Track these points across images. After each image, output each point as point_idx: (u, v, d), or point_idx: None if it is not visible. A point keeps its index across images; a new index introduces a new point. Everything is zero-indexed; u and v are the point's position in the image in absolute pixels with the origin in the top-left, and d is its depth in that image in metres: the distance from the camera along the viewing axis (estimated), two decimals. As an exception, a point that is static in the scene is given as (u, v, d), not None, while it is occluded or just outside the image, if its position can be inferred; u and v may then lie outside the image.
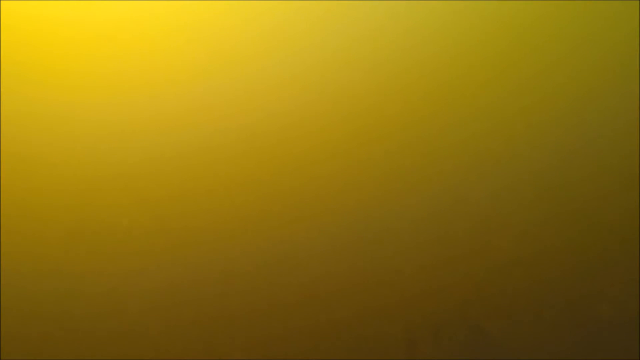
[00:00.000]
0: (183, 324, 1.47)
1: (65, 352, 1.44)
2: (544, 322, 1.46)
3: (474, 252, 1.50)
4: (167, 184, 1.49)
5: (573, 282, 1.48)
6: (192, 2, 1.46)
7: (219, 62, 1.49)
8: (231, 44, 1.49)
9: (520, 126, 1.52)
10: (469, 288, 1.49)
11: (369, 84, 1.50)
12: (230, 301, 1.48)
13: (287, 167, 1.50)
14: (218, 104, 1.50)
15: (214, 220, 1.49)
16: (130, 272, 1.46)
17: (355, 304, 1.49)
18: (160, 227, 1.48)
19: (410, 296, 1.49)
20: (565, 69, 1.52)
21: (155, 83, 1.48)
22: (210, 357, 1.48)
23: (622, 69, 1.51)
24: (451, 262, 1.50)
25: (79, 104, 1.47)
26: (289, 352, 1.47)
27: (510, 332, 1.46)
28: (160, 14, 1.47)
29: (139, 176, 1.48)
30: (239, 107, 1.49)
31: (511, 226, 1.49)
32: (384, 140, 1.50)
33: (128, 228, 1.44)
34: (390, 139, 1.50)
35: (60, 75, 1.47)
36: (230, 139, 1.50)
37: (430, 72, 1.51)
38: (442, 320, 1.47)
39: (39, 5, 1.47)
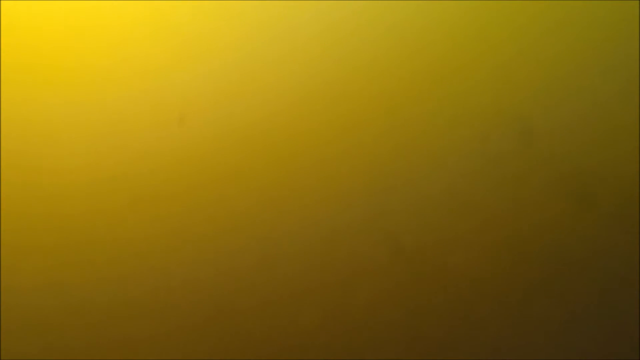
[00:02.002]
0: (182, 325, 1.47)
1: (65, 353, 1.44)
2: (540, 322, 1.46)
3: (470, 247, 1.49)
4: (165, 184, 1.49)
5: (571, 281, 1.48)
6: (190, 2, 1.46)
7: (214, 60, 1.49)
8: (225, 40, 1.49)
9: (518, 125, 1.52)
10: (463, 280, 1.49)
11: (358, 80, 1.50)
12: (230, 300, 1.48)
13: (285, 165, 1.50)
14: (214, 102, 1.50)
15: (211, 218, 1.49)
16: (129, 272, 1.46)
17: (353, 299, 1.49)
18: (159, 227, 1.48)
19: (405, 293, 1.49)
20: (563, 67, 1.52)
21: (153, 81, 1.48)
22: (211, 357, 1.48)
23: (621, 68, 1.50)
24: (449, 256, 1.50)
25: (76, 103, 1.48)
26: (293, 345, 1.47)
27: (506, 331, 1.46)
28: (161, 13, 1.47)
29: (135, 176, 1.48)
30: (236, 104, 1.50)
31: (511, 220, 1.49)
32: (373, 135, 1.50)
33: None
34: (379, 135, 1.50)
35: (60, 75, 1.48)
36: (226, 138, 1.50)
37: (423, 66, 1.51)
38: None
39: (39, 5, 1.47)
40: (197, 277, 1.46)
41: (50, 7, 1.44)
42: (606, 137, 1.48)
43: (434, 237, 1.48)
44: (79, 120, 1.45)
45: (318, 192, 1.46)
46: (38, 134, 1.44)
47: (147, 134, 1.45)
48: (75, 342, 1.42)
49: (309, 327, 1.46)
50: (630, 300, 1.43)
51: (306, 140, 1.47)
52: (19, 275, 1.42)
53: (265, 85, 1.45)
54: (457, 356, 1.45)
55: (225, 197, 1.46)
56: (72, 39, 1.44)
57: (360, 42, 1.49)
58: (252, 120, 1.46)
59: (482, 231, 1.47)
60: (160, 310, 1.45)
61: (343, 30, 1.48)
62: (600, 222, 1.46)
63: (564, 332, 1.45)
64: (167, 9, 1.45)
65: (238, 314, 1.46)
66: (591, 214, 1.46)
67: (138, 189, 1.46)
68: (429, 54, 1.51)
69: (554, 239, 1.48)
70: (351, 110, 1.47)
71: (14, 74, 1.43)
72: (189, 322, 1.46)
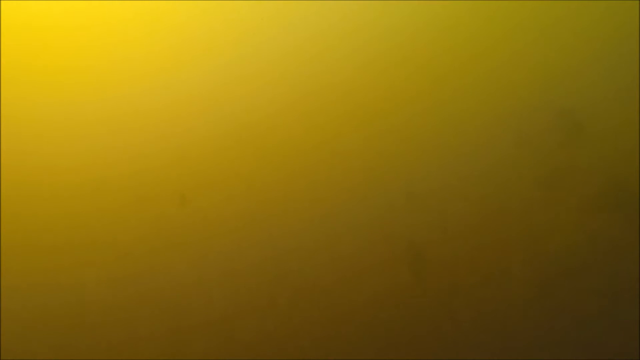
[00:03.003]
0: (183, 325, 1.47)
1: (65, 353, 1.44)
2: (539, 321, 1.45)
3: (470, 240, 1.48)
4: (165, 185, 1.49)
5: (570, 280, 1.48)
6: (184, 2, 1.46)
7: (210, 58, 1.49)
8: (222, 38, 1.48)
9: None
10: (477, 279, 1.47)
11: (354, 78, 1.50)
12: (231, 301, 1.48)
13: (284, 162, 1.50)
14: (209, 100, 1.49)
15: (212, 219, 1.49)
16: (129, 272, 1.46)
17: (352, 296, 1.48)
18: (159, 227, 1.47)
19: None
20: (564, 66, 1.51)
21: (150, 79, 1.48)
22: (215, 356, 1.48)
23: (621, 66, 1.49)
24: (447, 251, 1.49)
25: (76, 103, 1.47)
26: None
27: (500, 329, 1.46)
28: (159, 13, 1.47)
29: (135, 176, 1.48)
30: (232, 102, 1.49)
31: (507, 218, 1.48)
32: (366, 133, 1.49)
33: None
34: (372, 133, 1.49)
35: (60, 75, 1.47)
36: (223, 137, 1.49)
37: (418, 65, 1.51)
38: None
39: (39, 5, 1.47)
40: (202, 277, 1.46)
41: (50, 7, 1.44)
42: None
43: (456, 238, 1.45)
44: (79, 120, 1.45)
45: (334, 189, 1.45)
46: (38, 134, 1.44)
47: (146, 133, 1.45)
48: (75, 342, 1.42)
49: (315, 326, 1.46)
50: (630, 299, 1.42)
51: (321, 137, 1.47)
52: (19, 275, 1.41)
53: (270, 85, 1.45)
54: (464, 355, 1.44)
55: (231, 199, 1.46)
56: (71, 39, 1.44)
57: (380, 36, 1.47)
58: (254, 121, 1.46)
59: (514, 233, 1.44)
60: (161, 310, 1.45)
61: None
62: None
63: (579, 332, 1.44)
64: (169, 14, 1.45)
65: (244, 313, 1.46)
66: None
67: (138, 188, 1.46)
68: (455, 44, 1.49)
69: (593, 250, 1.43)
70: (375, 107, 1.46)
71: (14, 74, 1.43)
72: (190, 321, 1.45)
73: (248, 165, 1.49)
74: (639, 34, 1.47)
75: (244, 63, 1.48)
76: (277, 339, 1.48)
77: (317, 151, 1.49)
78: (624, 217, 1.44)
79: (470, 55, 1.50)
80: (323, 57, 1.48)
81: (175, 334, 1.47)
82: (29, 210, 1.45)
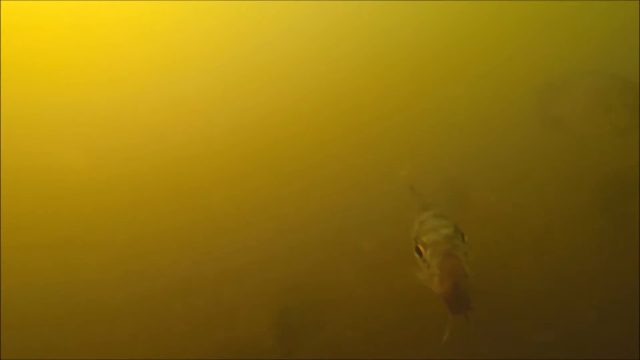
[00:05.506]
0: (183, 324, 1.47)
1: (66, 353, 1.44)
2: (539, 321, 1.45)
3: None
4: (165, 185, 1.49)
5: (569, 280, 1.47)
6: (183, 2, 1.46)
7: (210, 59, 1.49)
8: (222, 39, 1.49)
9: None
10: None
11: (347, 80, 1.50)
12: (233, 299, 1.48)
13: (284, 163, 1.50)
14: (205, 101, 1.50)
15: (213, 217, 1.49)
16: (128, 272, 1.46)
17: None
18: (159, 227, 1.48)
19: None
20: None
21: (150, 78, 1.48)
22: (213, 356, 1.48)
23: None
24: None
25: (76, 103, 1.48)
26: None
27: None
28: (158, 14, 1.47)
29: (135, 176, 1.48)
30: (229, 102, 1.49)
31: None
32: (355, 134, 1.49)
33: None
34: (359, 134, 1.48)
35: (59, 75, 1.48)
36: (220, 137, 1.50)
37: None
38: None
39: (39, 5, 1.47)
40: (201, 276, 1.46)
41: (50, 7, 1.44)
42: None
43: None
44: (79, 120, 1.45)
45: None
46: (38, 134, 1.44)
47: (145, 133, 1.45)
48: (76, 341, 1.42)
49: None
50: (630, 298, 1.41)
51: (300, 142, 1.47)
52: (19, 275, 1.42)
53: (265, 88, 1.45)
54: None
55: (232, 197, 1.46)
56: (71, 39, 1.44)
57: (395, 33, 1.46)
58: (256, 119, 1.46)
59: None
60: (161, 309, 1.45)
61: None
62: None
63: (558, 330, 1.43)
64: (169, 12, 1.45)
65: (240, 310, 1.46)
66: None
67: (138, 189, 1.46)
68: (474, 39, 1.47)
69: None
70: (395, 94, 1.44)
71: (14, 73, 1.43)
72: (189, 321, 1.45)
73: (258, 160, 1.50)
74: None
75: (248, 63, 1.49)
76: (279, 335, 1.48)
77: (327, 147, 1.49)
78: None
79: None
80: (345, 50, 1.48)
81: (175, 332, 1.47)
82: (29, 210, 1.46)
